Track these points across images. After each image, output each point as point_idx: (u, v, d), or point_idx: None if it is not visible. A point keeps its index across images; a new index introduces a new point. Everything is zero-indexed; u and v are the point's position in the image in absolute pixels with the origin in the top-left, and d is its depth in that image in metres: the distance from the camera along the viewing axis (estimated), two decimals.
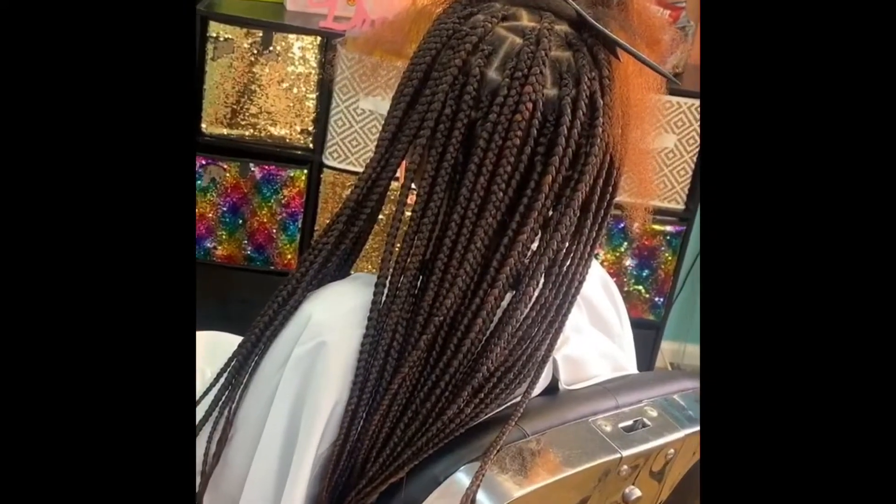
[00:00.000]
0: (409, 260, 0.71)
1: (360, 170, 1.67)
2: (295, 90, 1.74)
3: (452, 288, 0.70)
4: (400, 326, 0.71)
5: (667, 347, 2.18)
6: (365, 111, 1.72)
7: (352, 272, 0.82)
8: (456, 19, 0.72)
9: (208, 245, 1.83)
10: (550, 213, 0.71)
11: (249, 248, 1.84)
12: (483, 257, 0.71)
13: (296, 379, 0.72)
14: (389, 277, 0.72)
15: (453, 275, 0.70)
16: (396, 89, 0.75)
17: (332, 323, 0.73)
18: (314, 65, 1.72)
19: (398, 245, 0.73)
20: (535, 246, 0.73)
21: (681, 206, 1.84)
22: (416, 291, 0.72)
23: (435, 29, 0.74)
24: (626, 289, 1.87)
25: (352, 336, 0.72)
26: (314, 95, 1.74)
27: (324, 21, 1.73)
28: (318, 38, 1.71)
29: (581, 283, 0.76)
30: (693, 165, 1.80)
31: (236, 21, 1.69)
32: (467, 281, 0.70)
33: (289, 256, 1.84)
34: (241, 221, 1.82)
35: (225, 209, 1.80)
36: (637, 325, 1.83)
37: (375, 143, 0.76)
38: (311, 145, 1.78)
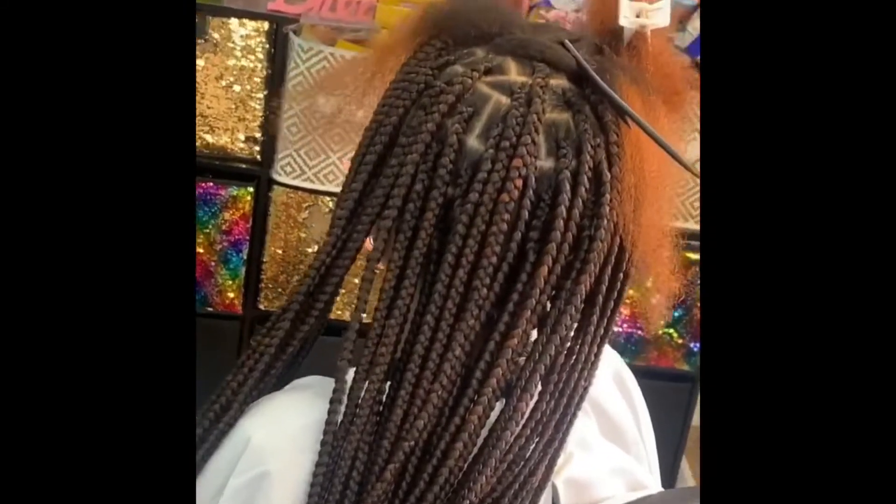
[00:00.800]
0: (372, 369, 0.62)
1: (318, 187, 1.58)
2: (237, 88, 1.56)
3: (426, 405, 0.61)
4: (361, 452, 0.62)
5: None
6: (325, 115, 1.56)
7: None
8: (428, 70, 0.64)
9: None
10: (548, 309, 0.63)
11: None
12: (464, 366, 0.62)
13: None
14: (348, 391, 0.63)
15: (427, 388, 0.61)
16: (356, 154, 0.67)
17: (277, 447, 0.65)
18: (261, 57, 1.55)
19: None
20: (530, 352, 0.63)
21: None
22: (382, 408, 0.63)
23: (402, 80, 0.65)
24: (654, 332, 1.68)
25: (301, 464, 0.64)
26: (261, 95, 1.57)
27: (273, 2, 1.56)
28: (266, 24, 1.53)
29: (586, 389, 0.67)
30: None
31: None
32: (444, 395, 0.61)
33: (231, 296, 1.64)
34: None
35: None
36: (668, 377, 1.71)
37: (330, 222, 0.66)
38: (258, 157, 1.60)
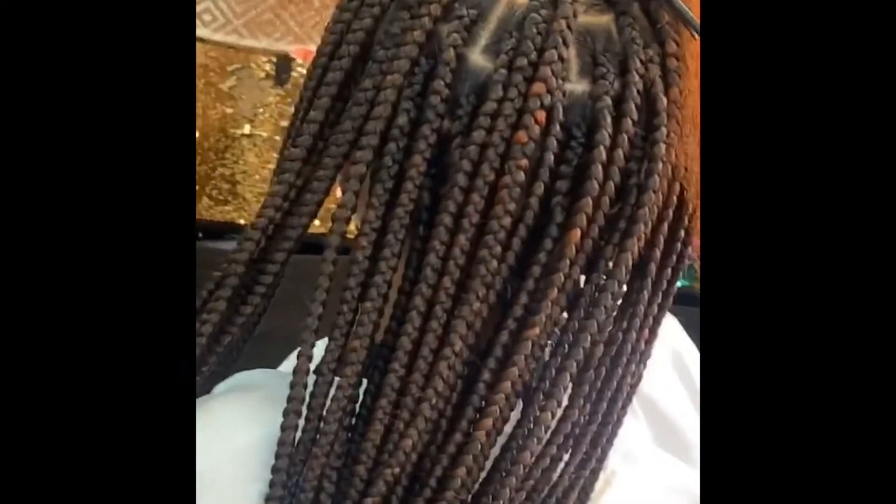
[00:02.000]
0: (342, 367, 0.48)
1: (251, 42, 1.37)
2: None
3: (416, 417, 0.46)
4: (327, 482, 0.47)
5: None
6: None
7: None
8: None
9: None
10: (581, 285, 0.49)
11: None
12: (467, 364, 0.47)
13: None
14: (309, 396, 0.48)
15: (416, 395, 0.47)
16: (311, 68, 0.52)
17: (211, 478, 0.49)
18: None
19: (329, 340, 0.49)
20: (557, 339, 0.49)
21: None
22: (356, 421, 0.48)
23: None
24: None
25: (244, 497, 0.49)
26: None
27: None
28: None
29: (634, 388, 0.52)
30: None
31: None
32: (441, 404, 0.47)
33: None
34: None
35: None
36: None
37: (277, 165, 0.51)
38: None
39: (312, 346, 0.49)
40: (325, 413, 0.47)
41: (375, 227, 0.48)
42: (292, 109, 0.55)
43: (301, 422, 0.48)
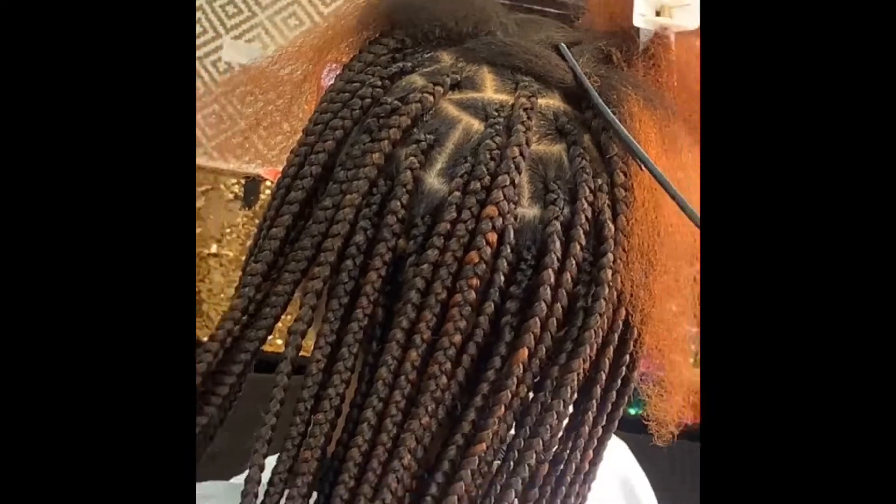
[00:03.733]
0: (293, 478, 0.46)
1: (220, 165, 1.39)
2: None
3: None
4: None
5: None
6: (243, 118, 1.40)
7: None
8: (377, 80, 0.48)
9: None
10: (528, 404, 0.47)
11: None
12: (415, 478, 0.45)
13: None
14: None
15: None
16: (276, 186, 0.50)
17: None
18: None
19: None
20: (500, 462, 0.47)
21: None
22: None
23: (343, 89, 0.49)
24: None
25: None
26: None
27: None
28: None
29: None
30: None
31: None
32: None
33: None
34: None
35: None
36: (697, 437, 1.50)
37: (239, 279, 0.50)
38: None
39: (265, 456, 0.47)
40: None
41: (330, 340, 0.46)
42: None
43: None
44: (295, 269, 0.47)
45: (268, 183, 1.37)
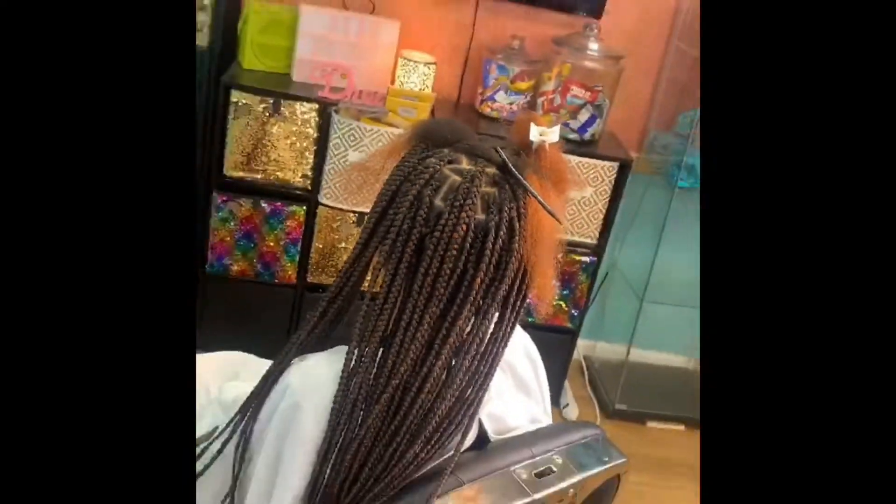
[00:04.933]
0: (372, 335, 0.84)
1: (346, 207, 2.08)
2: (298, 145, 2.00)
3: (406, 358, 0.82)
4: (365, 384, 0.83)
5: (581, 344, 2.56)
6: (352, 163, 1.96)
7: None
8: (416, 161, 0.86)
9: (226, 262, 2.10)
10: (480, 304, 0.84)
11: (259, 265, 2.11)
12: (430, 336, 0.83)
13: (280, 427, 0.85)
14: (357, 349, 0.84)
15: (406, 348, 0.82)
16: (372, 207, 0.88)
17: (306, 386, 0.85)
18: (313, 126, 1.99)
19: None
20: (468, 329, 0.85)
21: (593, 241, 2.21)
22: (378, 360, 0.84)
23: (400, 166, 0.88)
24: (546, 314, 2.22)
25: (324, 396, 0.84)
26: (313, 149, 2.02)
27: (322, 91, 1.98)
28: (318, 105, 1.96)
29: (500, 356, 0.89)
30: (604, 211, 2.16)
31: (252, 90, 1.97)
32: (418, 353, 0.83)
33: (290, 273, 2.11)
34: (252, 245, 2.09)
35: (240, 235, 2.06)
36: (559, 331, 2.28)
37: (355, 244, 0.89)
38: (309, 187, 2.06)
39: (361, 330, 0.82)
40: (364, 356, 0.83)
41: (391, 272, 0.82)
42: None
43: (353, 359, 0.83)
44: (377, 240, 0.84)
45: None
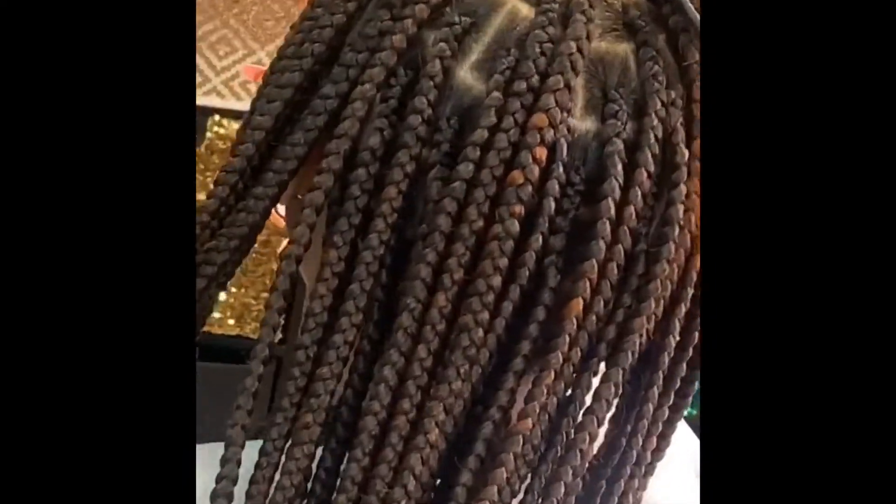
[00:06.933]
0: (292, 448, 0.35)
1: None
2: None
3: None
4: None
5: None
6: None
7: None
8: None
9: None
10: (578, 371, 0.35)
11: None
12: (442, 459, 0.35)
13: None
14: (249, 483, 0.35)
15: (383, 495, 0.34)
16: (266, 72, 0.39)
17: None
18: None
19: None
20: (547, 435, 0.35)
21: None
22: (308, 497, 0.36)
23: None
24: None
25: None
26: None
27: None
28: None
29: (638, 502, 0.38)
30: None
31: None
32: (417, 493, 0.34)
33: None
34: None
35: None
36: None
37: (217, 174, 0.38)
38: None
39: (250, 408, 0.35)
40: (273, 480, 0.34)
41: (337, 270, 0.35)
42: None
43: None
44: (282, 168, 0.36)
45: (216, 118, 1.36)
